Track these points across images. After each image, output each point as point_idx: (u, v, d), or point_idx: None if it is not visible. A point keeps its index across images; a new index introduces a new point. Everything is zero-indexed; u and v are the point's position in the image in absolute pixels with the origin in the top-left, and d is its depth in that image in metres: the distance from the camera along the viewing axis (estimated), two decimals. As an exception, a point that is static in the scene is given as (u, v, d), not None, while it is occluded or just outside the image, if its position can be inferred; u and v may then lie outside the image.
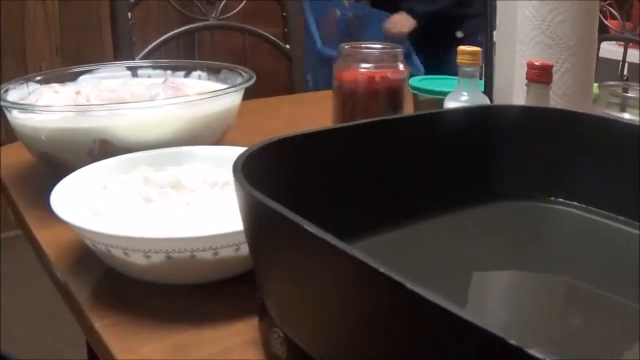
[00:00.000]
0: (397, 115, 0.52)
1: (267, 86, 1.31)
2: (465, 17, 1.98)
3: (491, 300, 0.46)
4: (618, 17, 1.25)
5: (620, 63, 1.28)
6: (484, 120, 0.56)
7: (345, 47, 0.77)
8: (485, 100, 0.68)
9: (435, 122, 0.54)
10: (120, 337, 0.43)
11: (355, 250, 0.27)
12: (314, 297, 0.31)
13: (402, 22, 2.02)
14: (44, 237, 0.57)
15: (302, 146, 0.42)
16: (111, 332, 0.43)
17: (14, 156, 0.75)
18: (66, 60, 1.96)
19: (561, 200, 0.55)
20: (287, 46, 1.15)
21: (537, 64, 0.60)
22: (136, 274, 0.47)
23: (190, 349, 0.41)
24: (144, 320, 0.44)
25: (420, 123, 0.53)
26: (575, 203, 0.54)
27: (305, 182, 0.42)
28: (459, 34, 1.97)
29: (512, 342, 0.19)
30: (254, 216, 0.32)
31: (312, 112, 0.95)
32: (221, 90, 0.66)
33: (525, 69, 0.60)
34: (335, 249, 0.27)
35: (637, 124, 0.59)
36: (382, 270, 0.25)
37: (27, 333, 1.56)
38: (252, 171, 0.34)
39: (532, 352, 0.19)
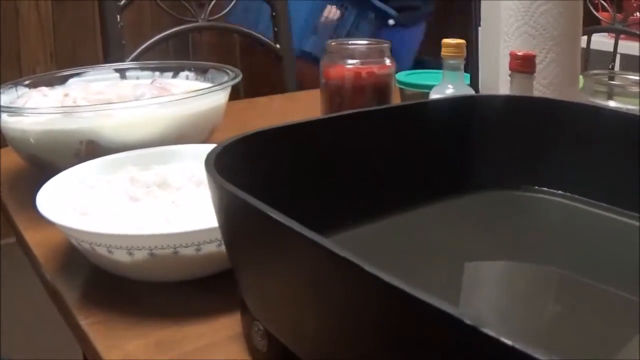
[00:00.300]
0: (378, 107, 0.52)
1: (264, 87, 1.32)
2: (401, 8, 2.01)
3: (474, 290, 0.46)
4: (609, 9, 1.25)
5: (612, 55, 1.28)
6: (468, 110, 0.57)
7: (332, 43, 0.77)
8: (471, 92, 0.68)
9: (418, 113, 0.54)
10: (105, 334, 0.43)
11: (325, 240, 0.26)
12: (287, 289, 0.31)
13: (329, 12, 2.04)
14: (33, 238, 0.58)
15: (278, 140, 0.43)
16: (97, 329, 0.44)
17: (5, 161, 0.75)
18: (61, 64, 1.96)
19: (545, 189, 0.55)
20: (277, 46, 1.15)
21: (519, 54, 0.60)
22: (121, 271, 0.48)
23: (174, 345, 0.41)
24: (129, 317, 0.44)
25: (403, 114, 0.53)
26: (560, 192, 0.54)
27: (283, 176, 0.42)
28: (391, 22, 1.99)
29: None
30: (225, 208, 0.32)
31: (302, 111, 0.95)
32: (205, 89, 0.67)
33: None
34: (304, 238, 0.27)
35: (621, 111, 0.59)
36: (352, 260, 0.24)
37: (27, 338, 1.57)
38: (225, 165, 0.35)
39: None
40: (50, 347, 1.49)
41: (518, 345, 0.18)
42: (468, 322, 0.19)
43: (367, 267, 0.22)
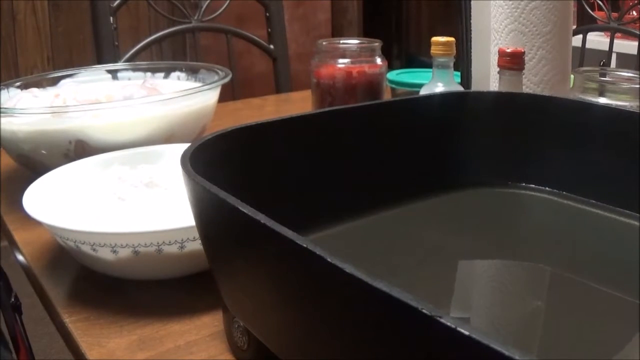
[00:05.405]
0: (365, 103, 0.51)
1: (258, 87, 1.32)
2: None
3: (462, 287, 0.46)
4: (604, 7, 1.25)
5: (608, 53, 1.27)
6: (456, 107, 0.56)
7: (323, 42, 0.77)
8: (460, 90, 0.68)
9: (404, 109, 0.53)
10: (88, 332, 0.43)
11: (289, 231, 0.25)
12: (256, 284, 0.31)
13: None
14: (22, 238, 0.58)
15: (260, 137, 0.42)
16: (79, 327, 0.44)
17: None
18: (58, 68, 1.97)
19: (534, 185, 0.54)
20: (271, 46, 1.15)
21: (508, 50, 0.59)
22: (105, 269, 0.47)
23: (155, 343, 0.41)
24: (112, 315, 0.44)
25: (390, 110, 0.53)
26: (548, 188, 0.54)
27: (265, 174, 0.42)
28: None
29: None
30: (198, 203, 0.32)
31: (296, 111, 0.95)
32: (192, 88, 0.66)
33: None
34: (266, 228, 0.26)
35: (611, 107, 0.58)
36: (314, 250, 0.23)
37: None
38: (204, 162, 0.34)
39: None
40: (50, 348, 1.49)
41: (475, 335, 0.18)
42: (426, 312, 0.19)
43: (330, 258, 0.22)
